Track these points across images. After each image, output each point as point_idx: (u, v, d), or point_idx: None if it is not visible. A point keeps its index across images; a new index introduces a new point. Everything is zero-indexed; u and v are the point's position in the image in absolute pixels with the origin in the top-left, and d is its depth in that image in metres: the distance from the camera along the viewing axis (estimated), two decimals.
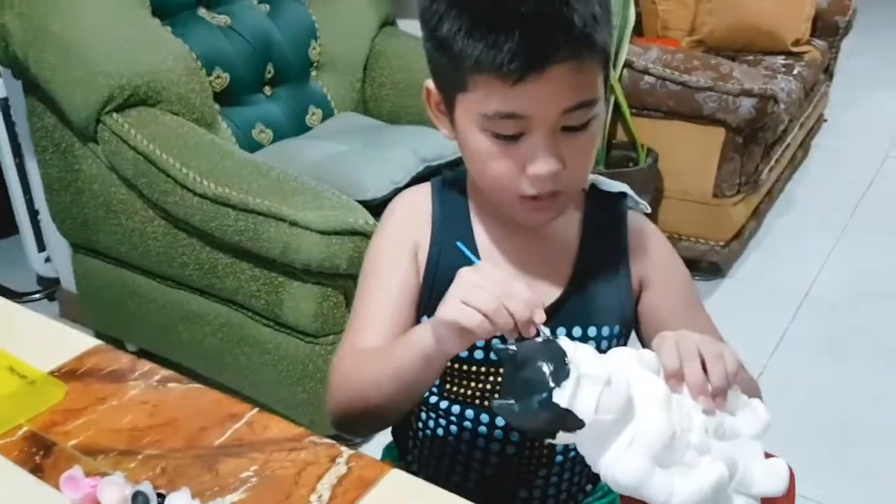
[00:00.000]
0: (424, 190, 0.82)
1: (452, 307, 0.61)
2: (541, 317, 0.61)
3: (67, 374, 0.81)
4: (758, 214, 2.40)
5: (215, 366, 1.65)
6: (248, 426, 0.74)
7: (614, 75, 2.07)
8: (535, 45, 0.64)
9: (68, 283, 1.98)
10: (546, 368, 0.55)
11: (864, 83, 3.61)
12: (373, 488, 0.66)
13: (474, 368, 0.78)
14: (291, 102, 1.89)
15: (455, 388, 0.80)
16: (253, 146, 1.76)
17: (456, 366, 0.78)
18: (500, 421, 0.79)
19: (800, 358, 1.95)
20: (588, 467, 0.59)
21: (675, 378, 0.60)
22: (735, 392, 0.62)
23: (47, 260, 2.11)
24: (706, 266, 2.26)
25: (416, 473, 0.70)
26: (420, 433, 0.85)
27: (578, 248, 0.80)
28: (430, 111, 0.77)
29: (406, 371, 0.69)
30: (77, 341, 0.86)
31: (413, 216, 0.80)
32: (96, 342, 0.85)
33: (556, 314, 0.77)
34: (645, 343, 0.83)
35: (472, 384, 0.79)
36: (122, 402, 0.77)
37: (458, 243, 0.68)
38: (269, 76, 1.86)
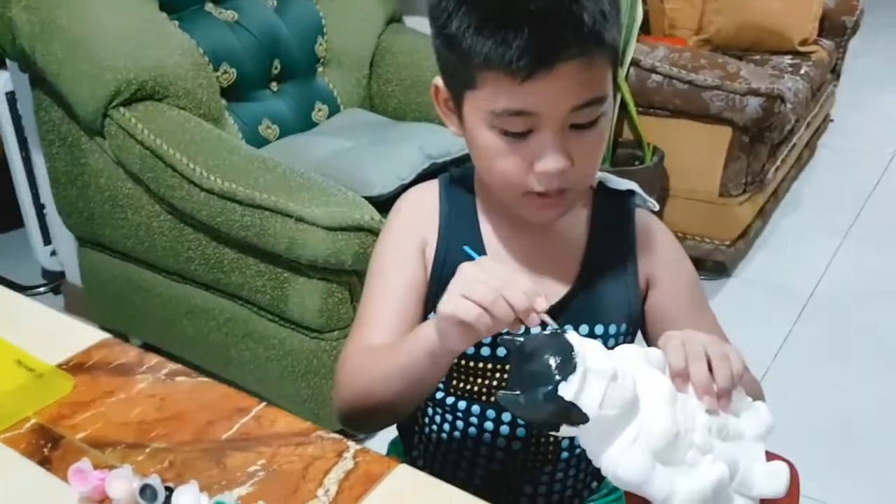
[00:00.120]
0: (431, 187, 0.82)
1: (452, 301, 0.61)
2: (542, 304, 0.61)
3: (75, 367, 0.81)
4: (764, 214, 2.39)
5: (220, 361, 1.66)
6: (256, 420, 0.74)
7: (621, 73, 2.07)
8: (544, 42, 0.64)
9: (74, 276, 1.98)
10: (553, 361, 0.55)
11: (870, 84, 3.60)
12: (380, 483, 0.66)
13: (481, 365, 0.78)
14: (298, 98, 1.90)
15: (461, 385, 0.80)
16: (259, 142, 1.77)
17: (462, 362, 0.78)
18: (506, 417, 0.80)
19: (804, 358, 1.94)
20: (593, 464, 0.60)
21: (680, 377, 0.60)
22: (740, 393, 0.62)
23: (53, 253, 2.11)
24: (711, 265, 2.26)
25: (421, 469, 0.70)
26: (426, 429, 0.85)
27: (586, 245, 0.80)
28: (438, 108, 0.77)
29: (412, 368, 0.69)
30: (84, 335, 0.86)
31: (420, 214, 0.80)
32: (104, 335, 0.85)
33: (563, 312, 0.77)
34: (650, 341, 0.83)
35: (479, 380, 0.79)
36: (129, 395, 0.77)
37: (465, 247, 0.68)
38: (275, 72, 1.86)
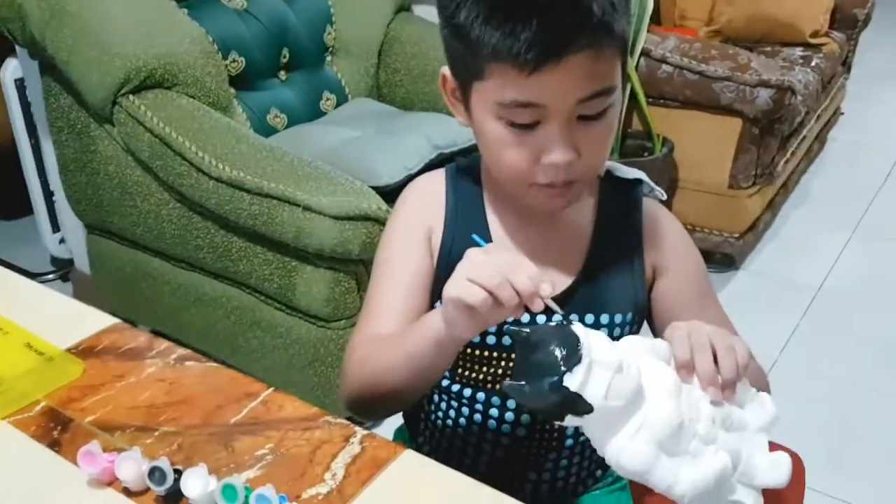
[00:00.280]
0: (438, 177, 0.82)
1: (458, 285, 0.61)
2: (546, 290, 0.60)
3: (85, 351, 0.81)
4: (773, 207, 2.38)
5: (227, 348, 1.66)
6: (264, 405, 0.74)
7: (631, 64, 2.06)
8: (552, 34, 0.63)
9: (82, 264, 1.99)
10: (558, 352, 0.55)
11: (881, 77, 3.58)
12: (386, 468, 0.67)
13: (486, 353, 0.78)
14: (306, 87, 1.90)
15: (467, 373, 0.80)
16: (267, 131, 1.77)
17: (468, 350, 0.78)
18: (511, 404, 0.80)
19: (811, 351, 1.94)
20: (598, 453, 0.60)
21: (685, 368, 0.61)
22: (744, 384, 0.62)
23: (61, 241, 2.12)
24: (720, 258, 2.25)
25: (427, 455, 0.71)
26: (432, 416, 0.86)
27: (592, 234, 0.80)
28: (445, 98, 0.77)
29: (419, 357, 0.69)
30: (94, 319, 0.86)
31: (426, 203, 0.80)
32: (114, 320, 0.86)
33: (569, 301, 0.77)
34: (656, 330, 0.83)
35: (485, 368, 0.79)
36: (139, 379, 0.78)
37: (474, 235, 0.68)
38: (284, 61, 1.86)
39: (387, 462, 0.67)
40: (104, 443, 0.67)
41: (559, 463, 0.83)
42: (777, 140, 2.18)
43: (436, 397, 0.84)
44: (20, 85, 1.93)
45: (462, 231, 0.77)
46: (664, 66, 2.10)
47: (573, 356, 0.55)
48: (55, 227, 2.11)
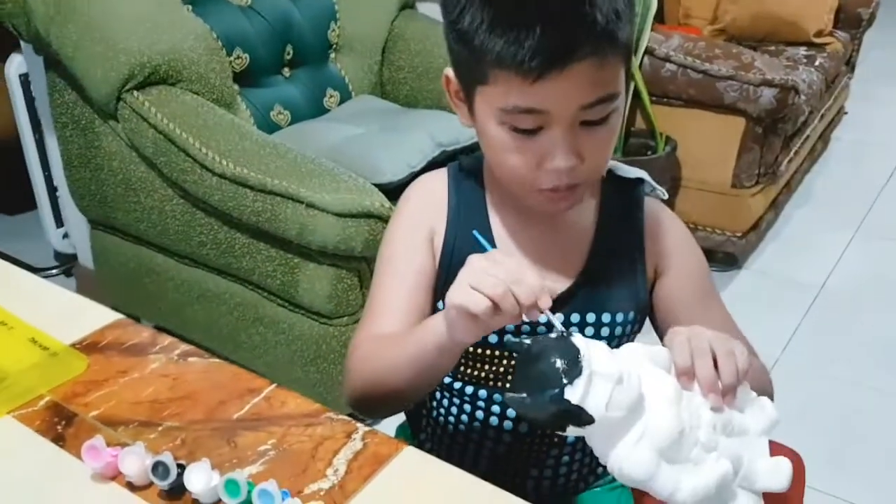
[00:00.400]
0: (441, 176, 0.83)
1: (461, 292, 0.62)
2: (546, 302, 0.61)
3: (89, 346, 0.82)
4: (776, 206, 2.38)
5: (230, 344, 1.67)
6: (267, 401, 0.75)
7: (634, 62, 2.06)
8: (556, 42, 0.63)
9: (85, 259, 2.00)
10: (559, 364, 0.55)
11: (885, 77, 3.57)
12: (388, 464, 0.67)
13: (488, 351, 0.79)
14: (310, 84, 1.90)
15: (469, 371, 0.80)
16: (271, 127, 1.77)
17: (471, 349, 0.79)
18: None
19: (813, 350, 1.94)
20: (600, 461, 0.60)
21: (686, 375, 0.61)
22: (745, 389, 0.63)
23: (65, 236, 2.13)
24: (722, 257, 2.25)
25: (428, 452, 0.71)
26: (433, 412, 0.86)
27: (594, 234, 0.80)
28: (449, 98, 0.77)
29: (421, 359, 0.69)
30: (98, 315, 0.87)
31: (429, 202, 0.81)
32: (117, 316, 0.86)
33: (571, 300, 0.77)
34: (658, 329, 0.83)
35: (486, 366, 0.80)
36: (142, 374, 0.78)
37: (475, 232, 0.69)
38: (288, 57, 1.86)
39: (388, 458, 0.68)
40: (108, 437, 0.67)
41: (561, 460, 0.83)
42: (780, 139, 2.18)
43: (437, 394, 0.84)
44: (25, 80, 1.93)
45: (464, 230, 0.77)
46: (668, 65, 2.09)
47: (574, 368, 0.55)
48: (59, 222, 2.12)
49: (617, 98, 0.69)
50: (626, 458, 0.57)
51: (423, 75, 1.96)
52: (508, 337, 0.62)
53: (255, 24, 1.77)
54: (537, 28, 0.63)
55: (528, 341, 0.59)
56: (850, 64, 2.87)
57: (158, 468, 0.63)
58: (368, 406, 0.79)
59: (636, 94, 2.08)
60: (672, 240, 0.82)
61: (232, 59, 1.72)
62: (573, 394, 0.54)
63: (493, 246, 0.70)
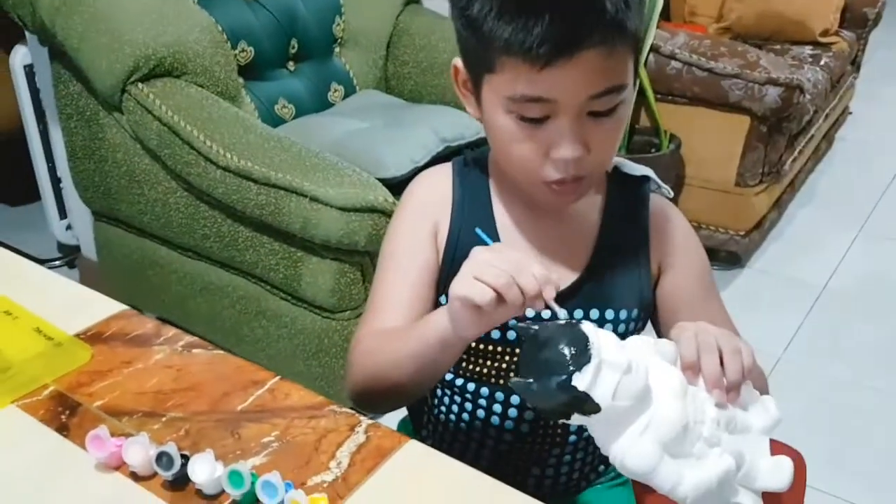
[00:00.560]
0: (445, 170, 0.83)
1: (465, 283, 0.61)
2: (550, 293, 0.61)
3: (93, 336, 0.82)
4: (779, 205, 2.38)
5: (232, 338, 1.67)
6: (270, 393, 0.75)
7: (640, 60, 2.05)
8: (564, 29, 0.63)
9: (89, 250, 2.00)
10: (567, 351, 0.55)
11: (890, 77, 3.56)
12: (390, 457, 0.67)
13: (491, 347, 0.79)
14: (314, 78, 1.90)
15: (471, 367, 0.80)
16: (275, 121, 1.77)
17: (473, 344, 0.79)
18: (514, 399, 0.80)
19: (815, 350, 1.94)
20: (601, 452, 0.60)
21: (691, 369, 0.61)
22: (748, 387, 0.63)
23: (68, 227, 2.13)
24: (725, 255, 2.25)
25: None
26: (435, 410, 0.86)
27: (599, 230, 0.80)
28: (456, 89, 0.77)
29: (424, 354, 0.69)
30: (103, 306, 0.87)
31: (433, 196, 0.81)
32: (122, 307, 0.87)
33: (575, 296, 0.77)
34: (658, 326, 0.83)
35: (489, 363, 0.79)
36: (147, 365, 0.78)
37: (477, 230, 0.68)
38: (292, 51, 1.86)
39: (391, 451, 0.68)
40: (112, 428, 0.68)
41: (562, 458, 0.83)
42: (785, 138, 2.17)
43: (439, 392, 0.84)
44: (29, 71, 1.93)
45: (468, 225, 0.77)
46: (673, 63, 2.09)
47: (583, 355, 0.55)
48: (62, 213, 2.12)
49: (625, 89, 0.69)
50: (628, 449, 0.56)
51: (427, 70, 1.96)
52: (515, 322, 0.62)
53: (260, 17, 1.77)
54: (546, 15, 0.63)
55: (535, 326, 0.58)
56: (856, 63, 2.87)
57: (162, 458, 0.63)
58: (370, 401, 0.79)
59: (641, 91, 2.08)
60: (676, 238, 0.82)
61: (237, 52, 1.71)
62: (581, 381, 0.54)
63: (497, 241, 0.70)
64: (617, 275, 0.79)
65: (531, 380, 0.56)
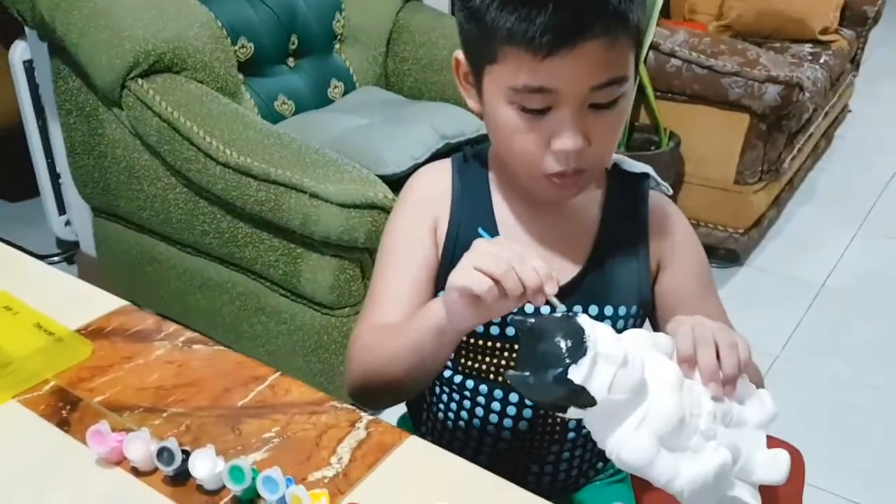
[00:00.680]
0: (445, 166, 0.82)
1: (463, 273, 0.62)
2: (552, 288, 0.61)
3: (94, 332, 0.82)
4: (778, 203, 2.38)
5: (232, 334, 1.67)
6: (271, 389, 0.75)
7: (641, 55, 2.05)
8: (567, 19, 0.63)
9: (88, 246, 2.00)
10: (563, 344, 0.55)
11: (890, 75, 3.56)
12: (391, 453, 0.67)
13: (489, 343, 0.79)
14: (314, 75, 1.89)
15: (469, 363, 0.80)
16: (275, 117, 1.77)
17: (471, 340, 0.79)
18: (513, 397, 0.80)
19: (814, 348, 1.94)
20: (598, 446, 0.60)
21: (687, 363, 0.61)
22: (745, 381, 0.63)
23: (67, 223, 2.13)
24: (724, 253, 2.26)
25: None
26: (434, 407, 0.86)
27: (599, 226, 0.80)
28: (458, 82, 0.77)
29: (420, 346, 0.69)
30: (103, 301, 0.87)
31: (432, 191, 0.81)
32: (123, 302, 0.87)
33: (574, 291, 0.77)
34: (656, 323, 0.83)
35: (487, 359, 0.80)
36: (147, 361, 0.78)
37: (479, 229, 0.68)
38: (292, 47, 1.86)
39: (392, 447, 0.68)
40: (113, 423, 0.68)
41: (561, 455, 0.83)
42: (784, 136, 2.18)
43: (437, 389, 0.84)
44: (29, 67, 1.93)
45: (468, 220, 0.77)
46: (673, 60, 2.09)
47: (578, 348, 0.54)
48: (61, 209, 2.12)
49: (626, 81, 0.69)
50: (625, 442, 0.56)
51: (427, 67, 1.95)
52: (512, 316, 0.62)
53: (260, 13, 1.77)
54: (549, 5, 0.63)
55: (532, 319, 0.58)
56: (855, 62, 2.87)
57: (163, 454, 0.64)
58: (369, 397, 0.79)
59: (641, 88, 2.08)
60: (676, 235, 0.82)
61: (237, 48, 1.71)
62: (577, 374, 0.54)
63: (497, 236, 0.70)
64: (616, 271, 0.79)
65: (527, 373, 0.56)
